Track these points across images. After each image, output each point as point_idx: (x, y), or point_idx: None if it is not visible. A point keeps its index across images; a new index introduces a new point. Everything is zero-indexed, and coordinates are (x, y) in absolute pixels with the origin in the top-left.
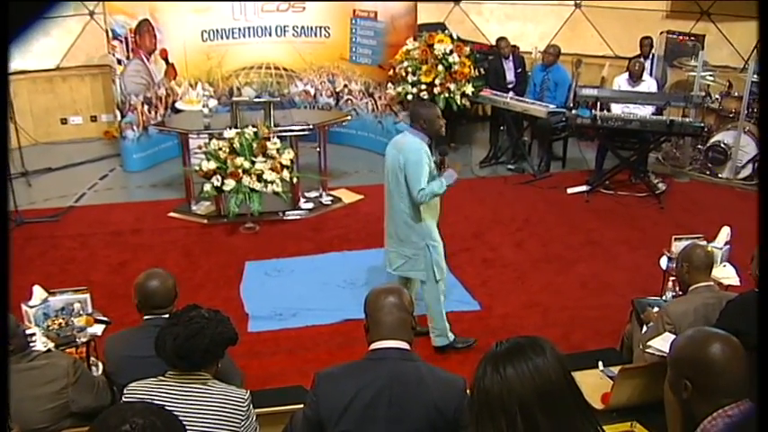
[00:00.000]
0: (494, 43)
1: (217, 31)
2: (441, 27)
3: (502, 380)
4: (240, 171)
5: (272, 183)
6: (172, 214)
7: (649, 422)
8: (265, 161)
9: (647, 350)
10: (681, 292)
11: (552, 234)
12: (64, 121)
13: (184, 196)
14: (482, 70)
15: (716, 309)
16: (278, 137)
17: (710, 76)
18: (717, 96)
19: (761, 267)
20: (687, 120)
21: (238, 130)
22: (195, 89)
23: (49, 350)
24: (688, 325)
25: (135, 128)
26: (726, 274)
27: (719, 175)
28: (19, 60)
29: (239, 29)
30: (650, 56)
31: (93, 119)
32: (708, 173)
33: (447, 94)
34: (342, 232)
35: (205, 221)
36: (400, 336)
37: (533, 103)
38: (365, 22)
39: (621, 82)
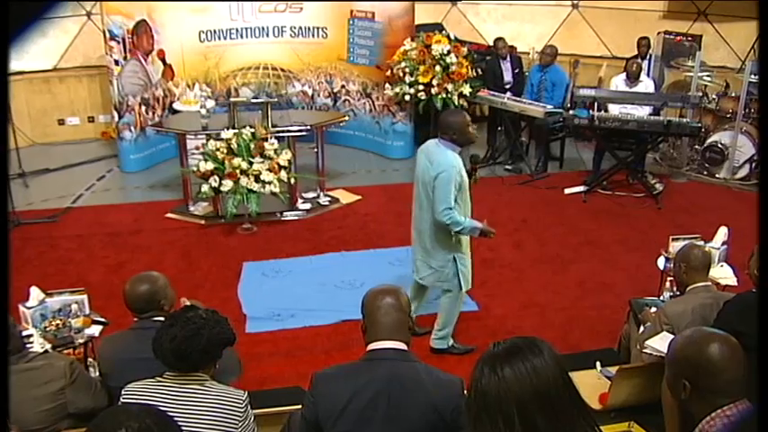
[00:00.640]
0: (491, 44)
1: (214, 31)
2: (438, 27)
3: (499, 381)
4: (238, 172)
5: (269, 183)
6: (169, 215)
7: (647, 422)
8: (263, 162)
9: (645, 350)
10: (678, 293)
11: (550, 234)
12: (61, 122)
13: (182, 197)
14: (479, 71)
15: (713, 309)
16: (275, 137)
17: (707, 76)
18: (714, 97)
19: (761, 268)
20: (684, 120)
21: (236, 131)
22: (193, 90)
23: (46, 351)
24: (685, 325)
25: (132, 128)
26: (723, 274)
27: (717, 176)
28: (16, 61)
29: (237, 29)
30: (647, 56)
31: (91, 120)
32: (705, 173)
33: (444, 95)
34: (339, 233)
35: (203, 222)
36: (398, 336)
37: (531, 104)
38: (363, 23)
39: (619, 82)
